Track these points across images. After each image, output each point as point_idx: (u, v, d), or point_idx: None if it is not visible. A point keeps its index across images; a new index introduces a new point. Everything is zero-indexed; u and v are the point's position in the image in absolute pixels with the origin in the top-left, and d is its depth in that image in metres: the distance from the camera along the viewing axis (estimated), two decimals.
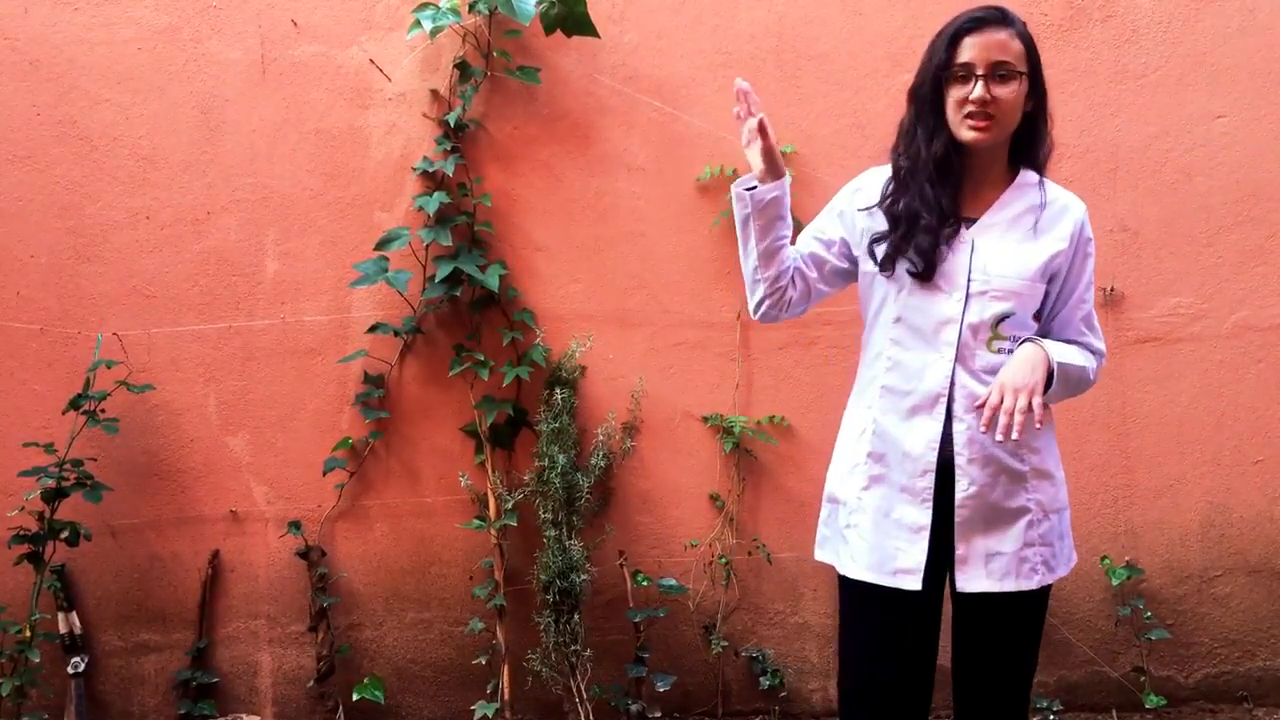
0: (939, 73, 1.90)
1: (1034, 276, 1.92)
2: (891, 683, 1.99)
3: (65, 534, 2.96)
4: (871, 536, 1.97)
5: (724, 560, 3.22)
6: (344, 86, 3.17)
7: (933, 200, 1.91)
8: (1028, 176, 1.99)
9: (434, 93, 3.16)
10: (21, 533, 2.94)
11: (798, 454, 3.23)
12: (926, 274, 1.91)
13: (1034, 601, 1.99)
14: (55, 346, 3.14)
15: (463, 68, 3.12)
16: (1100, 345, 2.04)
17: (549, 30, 3.04)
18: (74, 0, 3.11)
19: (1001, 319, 1.91)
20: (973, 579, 1.93)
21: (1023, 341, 1.91)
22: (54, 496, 2.95)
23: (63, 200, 3.13)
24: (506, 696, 3.10)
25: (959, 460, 1.91)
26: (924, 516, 1.93)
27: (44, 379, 3.13)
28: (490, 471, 3.15)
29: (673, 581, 3.19)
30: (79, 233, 3.14)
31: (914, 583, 1.92)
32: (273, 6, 3.14)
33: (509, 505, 3.09)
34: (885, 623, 1.98)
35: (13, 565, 2.96)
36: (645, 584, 3.18)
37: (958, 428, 1.91)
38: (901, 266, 1.94)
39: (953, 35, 1.89)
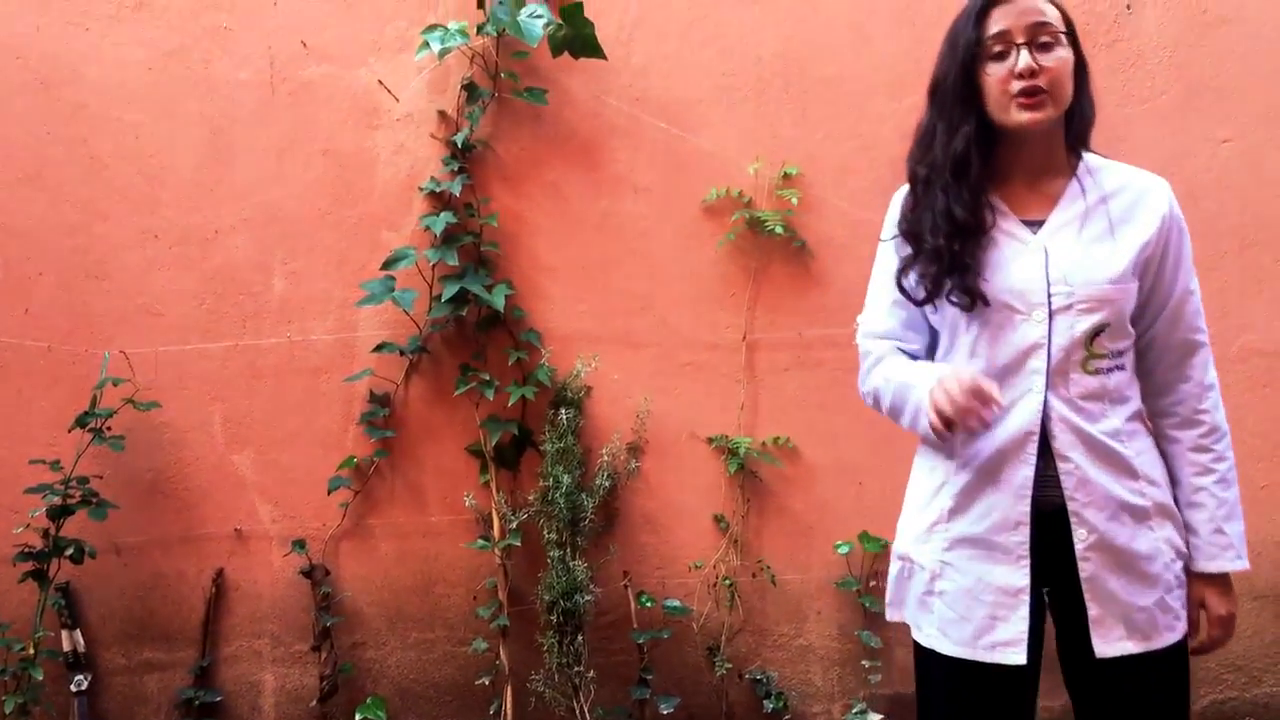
0: (969, 52, 1.65)
1: (1125, 277, 1.64)
2: None
3: (70, 551, 2.96)
4: (961, 607, 1.70)
5: (728, 582, 3.21)
6: (352, 107, 3.18)
7: (944, 212, 1.66)
8: (1092, 160, 1.73)
9: (441, 113, 3.18)
10: (26, 550, 2.94)
11: (802, 476, 3.22)
12: (970, 303, 1.65)
13: (1178, 656, 1.73)
14: (62, 364, 3.15)
15: (470, 89, 3.14)
16: (1206, 341, 1.75)
17: (557, 52, 3.05)
18: (85, 20, 3.13)
19: (1096, 333, 1.64)
20: (1113, 642, 1.66)
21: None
22: (59, 514, 2.95)
23: (71, 219, 3.15)
24: (509, 717, 3.09)
25: (1072, 506, 1.65)
26: (1021, 578, 1.66)
27: (51, 396, 3.14)
28: (495, 491, 3.15)
29: (677, 603, 3.18)
30: (87, 251, 3.15)
31: (1019, 656, 1.66)
32: (283, 28, 3.16)
33: (513, 525, 3.09)
34: (981, 702, 1.72)
35: (17, 582, 2.97)
36: (649, 605, 3.17)
37: (1063, 468, 1.64)
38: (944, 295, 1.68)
39: (980, 10, 1.66)
